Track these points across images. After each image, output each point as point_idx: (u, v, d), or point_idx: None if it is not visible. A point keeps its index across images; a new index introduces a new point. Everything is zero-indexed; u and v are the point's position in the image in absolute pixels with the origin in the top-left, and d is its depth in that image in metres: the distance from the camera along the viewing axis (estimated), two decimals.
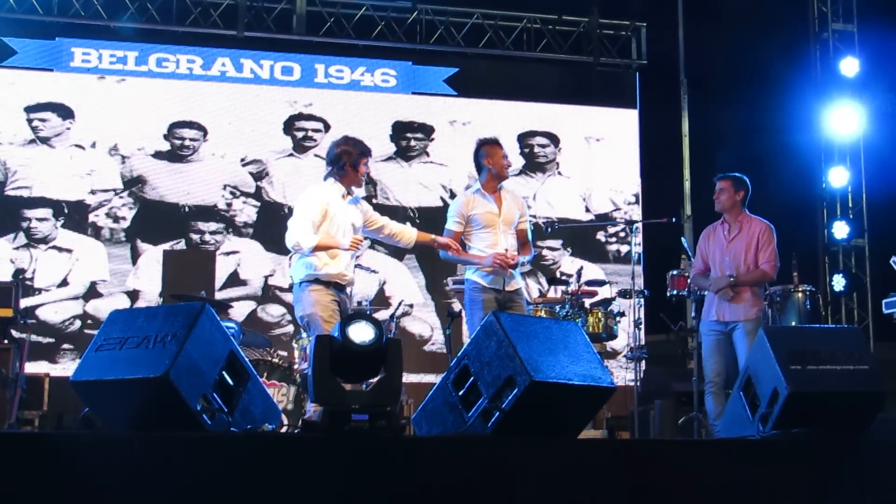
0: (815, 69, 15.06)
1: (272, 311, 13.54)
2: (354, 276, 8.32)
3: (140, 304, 13.05)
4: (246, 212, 13.72)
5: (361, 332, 6.01)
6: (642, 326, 10.75)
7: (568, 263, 14.14)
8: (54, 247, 13.23)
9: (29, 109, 13.40)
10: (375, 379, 6.05)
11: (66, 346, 12.99)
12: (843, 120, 14.69)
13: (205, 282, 11.10)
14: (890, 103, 14.50)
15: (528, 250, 8.86)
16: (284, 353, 10.70)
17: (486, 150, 8.73)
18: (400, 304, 11.83)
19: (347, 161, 8.23)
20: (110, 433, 5.63)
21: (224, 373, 5.79)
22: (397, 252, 13.61)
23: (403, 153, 14.19)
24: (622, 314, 10.70)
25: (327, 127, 14.07)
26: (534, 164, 14.62)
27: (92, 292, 13.21)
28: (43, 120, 13.42)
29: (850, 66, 14.74)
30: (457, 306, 11.78)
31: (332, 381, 5.91)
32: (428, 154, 14.29)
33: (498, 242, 8.54)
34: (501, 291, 8.51)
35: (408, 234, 8.62)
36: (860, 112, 14.67)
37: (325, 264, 8.01)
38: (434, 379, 10.50)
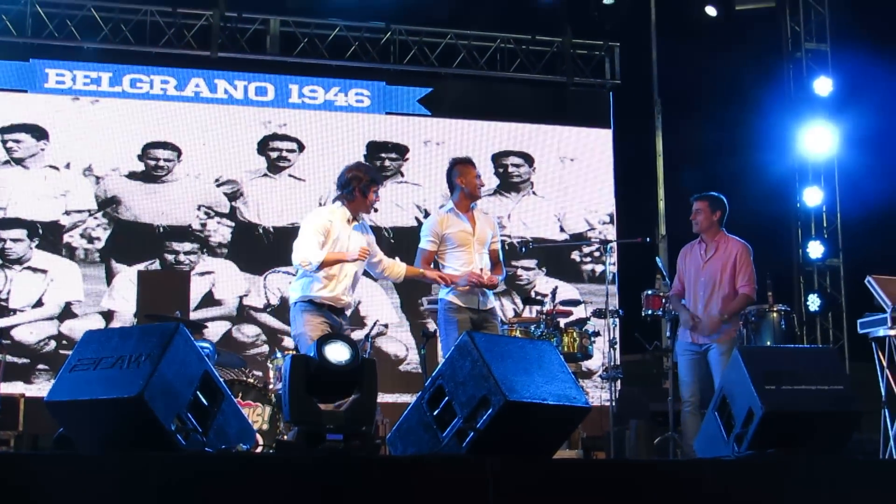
0: (789, 88, 15.10)
1: (247, 332, 13.50)
2: (352, 301, 8.33)
3: (115, 324, 13.00)
4: (220, 232, 13.69)
5: (338, 353, 6.02)
6: (617, 346, 10.74)
7: (543, 283, 14.15)
8: (29, 267, 13.17)
9: (3, 130, 13.35)
10: (350, 399, 6.04)
11: (41, 366, 12.92)
12: (817, 139, 14.73)
13: (179, 302, 11.06)
14: (863, 123, 14.54)
15: (500, 270, 8.89)
16: (259, 374, 10.67)
17: (459, 170, 8.74)
18: (375, 324, 11.82)
19: (357, 186, 8.26)
20: (85, 454, 5.60)
21: (198, 393, 5.78)
22: None
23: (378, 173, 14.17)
24: (597, 334, 10.70)
25: (301, 147, 14.06)
26: (508, 184, 14.63)
27: (67, 313, 13.15)
28: (17, 141, 13.37)
29: (823, 85, 14.78)
30: (432, 326, 11.77)
31: (307, 401, 5.90)
32: (402, 174, 14.29)
33: (472, 261, 8.55)
34: (476, 311, 8.52)
35: (397, 269, 8.64)
36: (834, 131, 14.71)
37: (321, 287, 8.07)
38: (409, 399, 10.48)
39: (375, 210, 8.61)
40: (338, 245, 8.11)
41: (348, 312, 8.38)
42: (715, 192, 9.39)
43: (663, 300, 10.18)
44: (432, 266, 8.68)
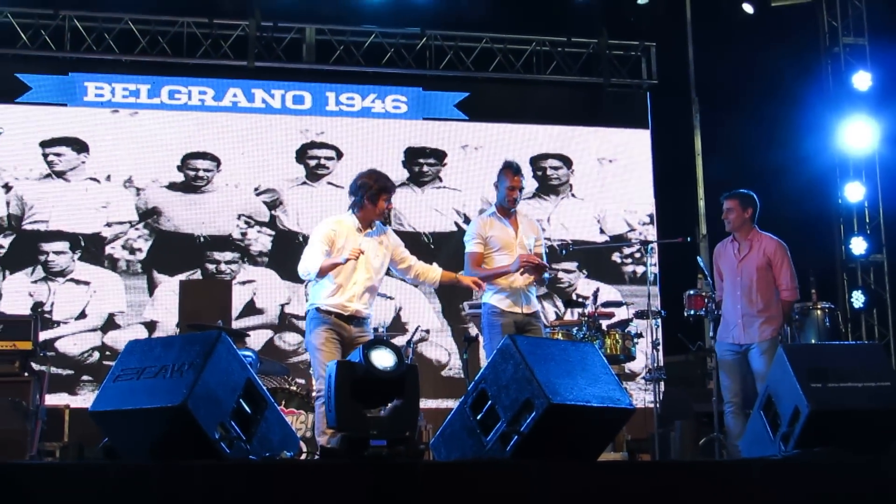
0: (828, 84, 14.97)
1: (289, 340, 13.53)
2: (366, 308, 8.21)
3: (157, 334, 13.07)
4: (261, 241, 13.73)
5: (384, 358, 6.02)
6: (660, 347, 10.69)
7: (584, 285, 14.10)
8: (72, 279, 13.26)
9: (44, 144, 13.45)
10: (391, 405, 6.04)
11: (85, 377, 13.01)
12: (857, 134, 14.58)
13: (221, 311, 11.08)
14: None
15: None
16: (302, 381, 10.69)
17: (501, 174, 8.75)
18: (416, 329, 11.82)
19: (365, 194, 8.19)
20: (130, 463, 5.62)
21: (241, 401, 5.80)
22: None
23: (416, 179, 14.19)
24: (640, 335, 10.65)
25: (340, 154, 14.09)
26: (547, 187, 14.59)
27: (110, 324, 13.23)
28: (58, 154, 13.47)
29: (862, 80, 14.64)
30: (473, 331, 11.76)
31: (354, 407, 5.90)
32: (441, 179, 14.27)
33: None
34: (520, 314, 8.50)
35: (432, 274, 8.58)
36: (874, 126, 14.57)
37: (328, 294, 8.05)
38: (452, 404, 10.47)
39: (387, 219, 8.49)
40: (344, 253, 8.07)
41: (370, 320, 8.30)
42: (747, 189, 9.32)
43: (706, 300, 10.12)
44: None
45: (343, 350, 7.96)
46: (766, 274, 9.02)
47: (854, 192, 14.68)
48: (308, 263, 8.04)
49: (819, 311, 10.87)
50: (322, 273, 7.98)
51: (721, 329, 9.25)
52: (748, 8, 14.27)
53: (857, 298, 14.42)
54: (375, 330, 11.06)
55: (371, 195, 8.19)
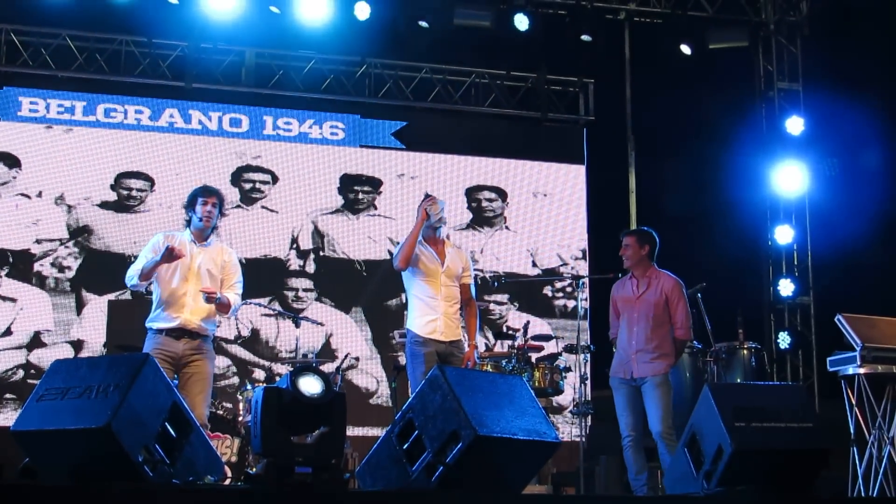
0: (761, 127, 15.15)
1: (217, 363, 13.36)
2: (199, 320, 8.13)
3: (84, 354, 12.91)
4: None
5: (311, 385, 6.00)
6: (588, 382, 10.74)
7: (514, 318, 14.14)
8: None
9: None
10: (318, 432, 6.03)
11: (8, 395, 12.83)
12: (788, 178, 14.75)
13: None
14: (834, 162, 14.62)
15: (473, 305, 8.92)
16: (229, 405, 10.63)
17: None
18: (346, 356, 11.79)
19: (190, 207, 8.31)
20: (51, 484, 5.56)
21: (167, 424, 5.75)
22: (344, 305, 13.62)
23: (351, 206, 14.19)
24: (568, 369, 10.69)
25: (275, 179, 14.04)
26: (481, 219, 14.64)
27: (36, 342, 13.07)
28: None
29: (795, 124, 14.81)
30: (403, 360, 11.75)
31: (279, 434, 5.88)
32: (375, 207, 14.28)
33: (438, 293, 8.62)
34: (441, 343, 8.56)
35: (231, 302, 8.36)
36: (805, 170, 14.75)
37: (156, 310, 8.14)
38: (379, 432, 10.44)
39: (207, 221, 8.37)
40: (182, 266, 8.08)
41: (210, 338, 8.25)
42: (646, 227, 9.40)
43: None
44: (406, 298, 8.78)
45: (174, 369, 7.92)
46: (662, 311, 9.03)
47: (783, 235, 14.83)
48: (130, 270, 8.08)
49: (745, 351, 10.98)
50: (145, 275, 7.94)
51: (615, 363, 9.22)
52: (686, 49, 14.40)
53: (784, 339, 14.55)
54: (305, 356, 11.04)
55: (191, 206, 8.26)
